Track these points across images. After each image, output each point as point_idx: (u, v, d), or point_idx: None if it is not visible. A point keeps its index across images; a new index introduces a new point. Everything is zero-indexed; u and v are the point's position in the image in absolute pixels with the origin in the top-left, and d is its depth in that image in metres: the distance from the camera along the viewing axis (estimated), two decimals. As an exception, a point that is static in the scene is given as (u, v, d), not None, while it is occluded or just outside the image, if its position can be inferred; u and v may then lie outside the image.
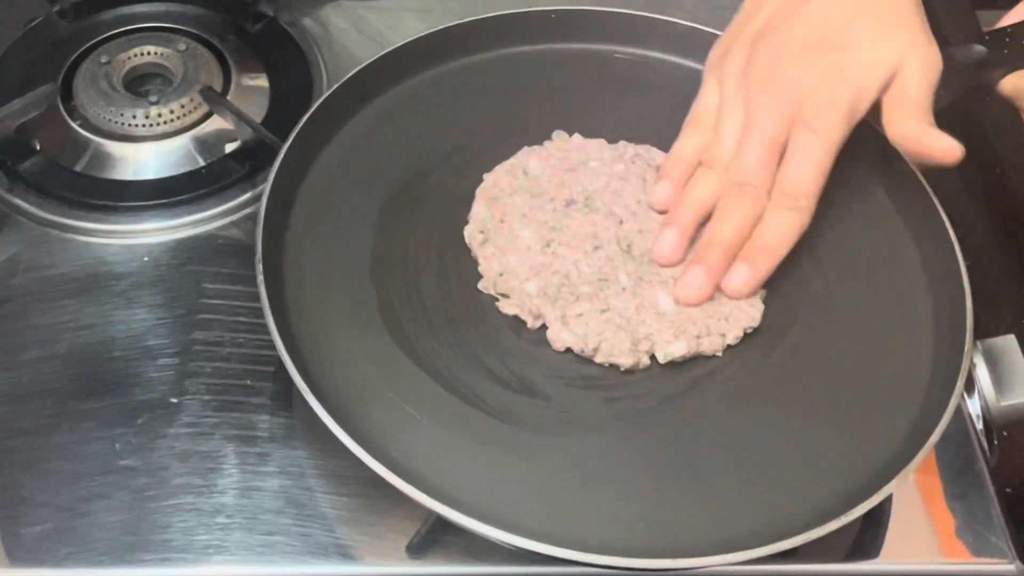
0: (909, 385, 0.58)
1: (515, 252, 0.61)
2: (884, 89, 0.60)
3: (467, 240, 0.63)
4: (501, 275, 0.61)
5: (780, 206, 0.59)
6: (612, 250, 0.61)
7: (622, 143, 0.67)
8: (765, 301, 0.61)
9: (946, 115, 0.65)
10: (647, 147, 0.67)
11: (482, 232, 0.62)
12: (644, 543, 0.52)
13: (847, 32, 0.60)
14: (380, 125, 0.68)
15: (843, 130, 0.59)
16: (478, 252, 0.62)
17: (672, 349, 0.58)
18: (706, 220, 0.61)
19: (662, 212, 0.63)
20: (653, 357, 0.58)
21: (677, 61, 0.72)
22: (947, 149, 0.60)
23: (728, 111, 0.61)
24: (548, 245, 0.62)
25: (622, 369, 0.58)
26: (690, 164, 0.62)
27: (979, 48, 0.66)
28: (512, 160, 0.66)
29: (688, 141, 0.63)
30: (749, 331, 0.59)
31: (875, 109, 0.62)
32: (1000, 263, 0.67)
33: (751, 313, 0.60)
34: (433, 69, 0.71)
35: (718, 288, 0.59)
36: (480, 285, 0.61)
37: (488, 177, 0.65)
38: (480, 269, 0.61)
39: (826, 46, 0.60)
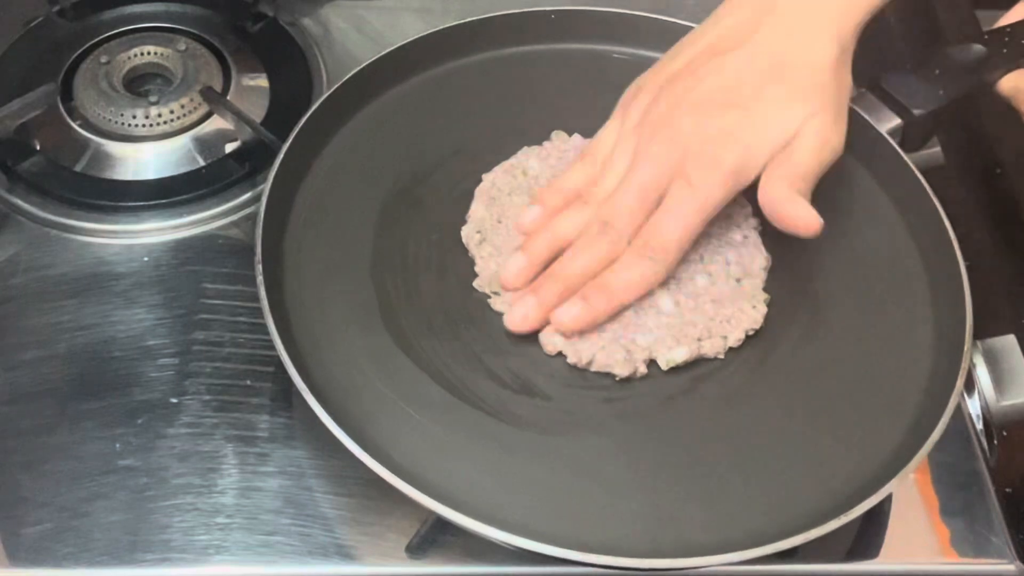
0: (909, 385, 0.58)
1: (512, 252, 0.61)
2: (774, 156, 0.57)
3: (464, 240, 0.62)
4: (497, 275, 0.60)
5: (636, 254, 0.57)
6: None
7: (622, 143, 0.67)
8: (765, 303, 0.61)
9: (946, 115, 0.65)
10: (647, 147, 0.67)
11: (479, 232, 0.62)
12: (644, 543, 0.52)
13: (755, 94, 0.58)
14: (380, 125, 0.68)
15: (722, 191, 0.57)
16: (475, 252, 0.62)
17: (674, 355, 0.58)
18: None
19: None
20: (652, 362, 0.58)
21: (677, 61, 0.72)
22: (806, 221, 0.57)
23: (618, 151, 0.60)
24: (547, 245, 0.62)
25: (618, 379, 0.58)
26: (568, 195, 0.61)
27: (979, 48, 0.66)
28: (511, 160, 0.66)
29: (574, 174, 0.61)
30: (751, 333, 0.59)
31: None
32: (1000, 263, 0.67)
33: (753, 315, 0.60)
34: (433, 69, 0.71)
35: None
36: (475, 284, 0.61)
37: (487, 177, 0.65)
38: (476, 269, 0.61)
39: (729, 103, 0.58)
